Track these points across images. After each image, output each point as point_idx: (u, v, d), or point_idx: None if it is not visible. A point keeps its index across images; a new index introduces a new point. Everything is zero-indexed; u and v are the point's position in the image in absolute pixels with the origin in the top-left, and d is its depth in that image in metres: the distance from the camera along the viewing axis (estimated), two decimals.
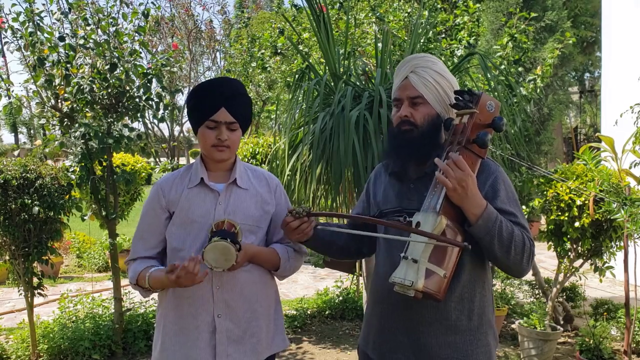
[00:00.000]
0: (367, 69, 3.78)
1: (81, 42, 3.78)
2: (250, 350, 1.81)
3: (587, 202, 3.58)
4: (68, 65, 3.72)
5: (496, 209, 1.49)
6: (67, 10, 3.79)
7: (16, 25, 3.66)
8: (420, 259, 1.41)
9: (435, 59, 1.65)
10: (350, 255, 1.92)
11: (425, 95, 1.59)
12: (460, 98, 1.53)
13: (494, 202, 1.52)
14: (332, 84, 3.28)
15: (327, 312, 5.09)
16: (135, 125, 4.17)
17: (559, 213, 3.73)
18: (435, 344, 1.56)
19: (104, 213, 4.10)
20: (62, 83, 3.76)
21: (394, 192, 1.69)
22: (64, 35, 3.76)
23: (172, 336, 1.80)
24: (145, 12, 3.94)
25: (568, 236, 3.78)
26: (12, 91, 3.76)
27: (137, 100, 3.91)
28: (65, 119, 3.86)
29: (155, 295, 1.92)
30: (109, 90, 3.79)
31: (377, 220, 1.59)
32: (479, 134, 1.48)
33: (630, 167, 3.58)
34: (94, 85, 3.73)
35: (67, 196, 3.89)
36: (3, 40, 3.80)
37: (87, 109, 3.86)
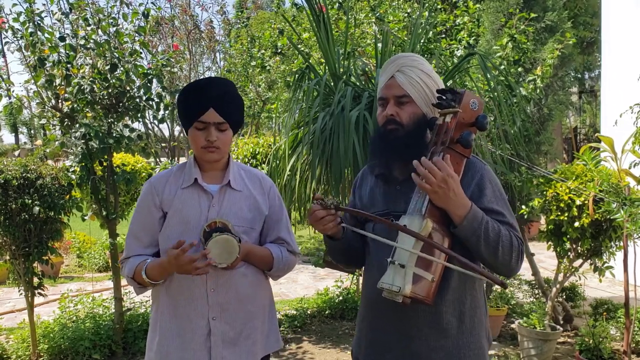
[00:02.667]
0: (367, 69, 3.79)
1: (82, 42, 3.79)
2: (246, 352, 1.81)
3: (586, 202, 3.59)
4: (68, 66, 3.73)
5: (482, 208, 1.46)
6: (67, 10, 3.80)
7: (17, 25, 3.66)
8: (408, 263, 1.38)
9: (422, 59, 1.62)
10: (363, 262, 1.78)
11: (412, 94, 1.56)
12: (443, 97, 1.50)
13: (480, 201, 1.49)
14: (332, 84, 3.29)
15: (327, 312, 5.09)
16: (135, 125, 4.18)
17: (559, 213, 3.73)
18: (426, 348, 1.53)
19: (104, 213, 4.10)
20: (63, 83, 3.77)
21: (380, 194, 1.65)
22: (65, 35, 3.76)
23: (167, 338, 1.79)
24: (146, 12, 3.95)
25: (568, 236, 3.78)
26: (13, 91, 3.77)
27: (137, 100, 3.91)
28: (66, 119, 3.86)
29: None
30: (110, 91, 3.79)
31: (396, 225, 1.48)
32: (463, 133, 1.45)
33: (629, 167, 3.58)
34: (94, 86, 3.74)
35: (68, 196, 3.90)
36: (4, 41, 3.81)
37: (87, 109, 3.86)
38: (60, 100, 3.85)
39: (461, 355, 1.53)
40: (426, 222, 1.40)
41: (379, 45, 3.67)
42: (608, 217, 3.45)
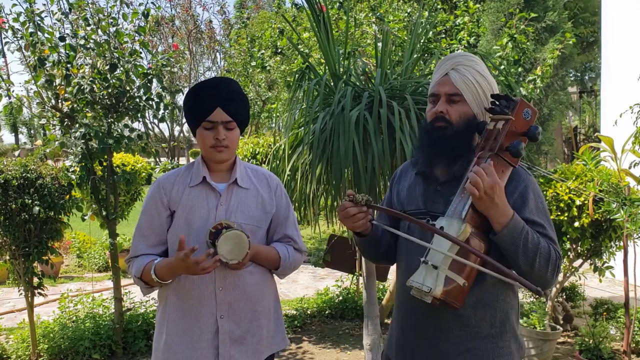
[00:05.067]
0: (367, 69, 3.78)
1: (81, 42, 3.79)
2: (252, 350, 1.83)
3: (586, 202, 3.59)
4: (68, 66, 3.73)
5: (523, 218, 1.44)
6: (67, 10, 3.80)
7: (17, 25, 3.66)
8: (441, 265, 1.37)
9: (478, 59, 1.59)
10: (392, 258, 1.77)
11: (464, 93, 1.53)
12: (496, 103, 1.47)
13: (522, 211, 1.47)
14: (332, 84, 3.28)
15: (327, 312, 5.09)
16: (135, 125, 4.18)
17: (559, 213, 3.73)
18: (454, 351, 1.51)
19: (104, 213, 4.10)
20: (63, 83, 3.77)
21: (419, 192, 1.63)
22: (65, 35, 3.76)
23: (175, 337, 1.80)
24: (146, 12, 3.95)
25: (568, 236, 3.78)
26: (13, 91, 3.77)
27: (137, 100, 3.91)
28: (66, 119, 3.86)
29: (155, 295, 1.92)
30: (110, 91, 3.79)
31: (428, 226, 1.46)
32: (513, 142, 1.42)
33: (629, 167, 3.58)
34: (94, 86, 3.74)
35: (68, 196, 3.90)
36: (4, 41, 3.81)
37: (87, 109, 3.86)
38: (60, 100, 3.85)
39: (490, 359, 1.51)
40: (465, 227, 1.38)
41: (379, 45, 3.66)
42: (608, 217, 3.45)
